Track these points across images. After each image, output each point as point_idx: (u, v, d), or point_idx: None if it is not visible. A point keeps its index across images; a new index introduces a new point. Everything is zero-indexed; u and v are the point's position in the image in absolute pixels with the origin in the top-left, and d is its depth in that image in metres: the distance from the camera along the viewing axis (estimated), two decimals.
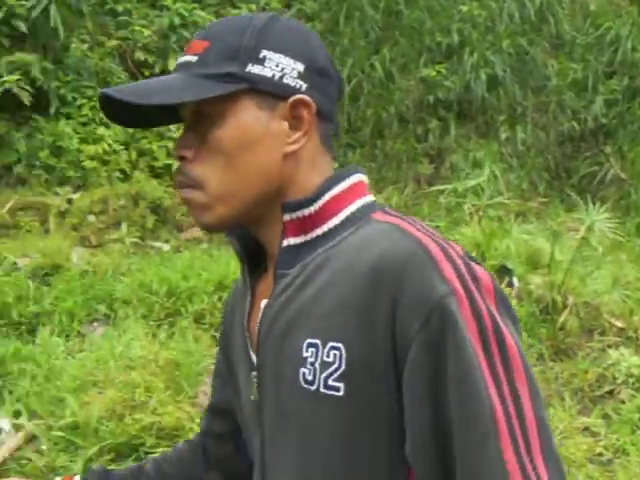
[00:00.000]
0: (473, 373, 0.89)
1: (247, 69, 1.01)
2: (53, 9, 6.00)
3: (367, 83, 6.89)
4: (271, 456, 1.07)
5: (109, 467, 1.41)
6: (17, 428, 3.54)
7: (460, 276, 0.93)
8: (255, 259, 1.13)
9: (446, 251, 0.95)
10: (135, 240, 5.55)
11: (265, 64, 1.02)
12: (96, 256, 5.20)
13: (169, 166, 6.15)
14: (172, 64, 6.59)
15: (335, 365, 0.96)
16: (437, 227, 5.64)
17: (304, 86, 1.03)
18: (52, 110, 6.14)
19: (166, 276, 4.56)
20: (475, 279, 0.94)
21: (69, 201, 5.78)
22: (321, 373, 0.97)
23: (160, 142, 6.27)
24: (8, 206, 5.67)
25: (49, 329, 4.28)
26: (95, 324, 4.51)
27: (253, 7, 7.35)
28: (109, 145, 6.04)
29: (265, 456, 1.08)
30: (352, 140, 6.89)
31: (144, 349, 3.76)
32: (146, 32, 6.61)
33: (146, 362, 3.64)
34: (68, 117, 6.18)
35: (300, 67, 1.03)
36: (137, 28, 6.62)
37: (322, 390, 0.97)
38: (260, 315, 1.07)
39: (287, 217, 1.04)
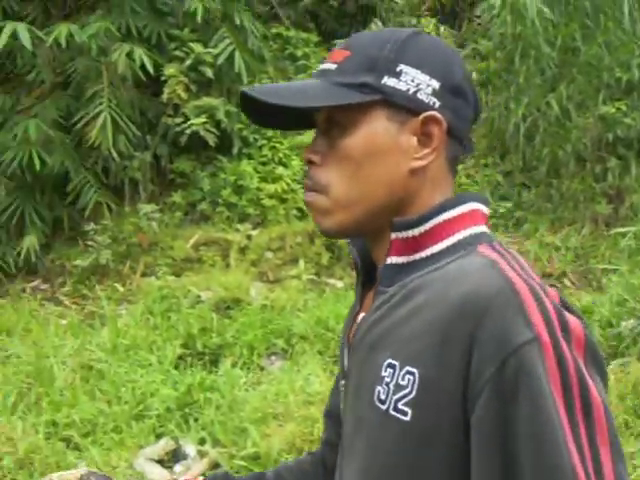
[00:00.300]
0: (550, 427, 0.86)
1: (383, 81, 1.02)
2: (237, 56, 6.33)
3: (543, 121, 6.77)
4: (345, 465, 1.09)
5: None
6: (202, 455, 3.71)
7: (548, 323, 0.89)
8: (371, 273, 1.14)
9: (537, 295, 0.91)
10: (311, 277, 5.70)
11: (401, 78, 1.02)
12: (273, 291, 5.39)
13: None
14: None
15: (407, 390, 0.95)
16: (617, 270, 5.44)
17: (437, 103, 1.03)
18: (234, 151, 6.45)
19: (342, 313, 4.66)
20: (565, 328, 0.90)
21: (249, 237, 6.04)
22: (394, 394, 0.97)
23: None
24: (192, 241, 5.99)
25: (231, 360, 4.47)
26: (273, 357, 4.67)
27: None
28: (287, 184, 6.26)
29: (342, 464, 1.11)
30: (527, 179, 6.78)
31: (322, 385, 3.85)
32: None
33: (325, 398, 3.72)
34: (249, 157, 6.48)
35: (435, 84, 1.03)
36: (315, 71, 6.84)
37: (391, 412, 0.97)
38: (355, 327, 1.09)
39: (394, 235, 1.04)
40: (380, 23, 7.36)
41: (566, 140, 6.70)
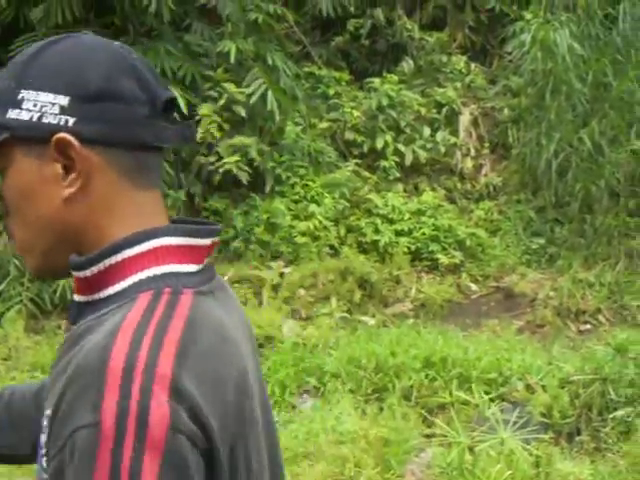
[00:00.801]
0: None
1: (8, 115, 0.94)
2: (270, 95, 6.42)
3: (575, 157, 6.76)
4: None
5: None
6: None
7: (121, 411, 0.80)
8: None
9: (127, 379, 0.82)
10: (343, 314, 5.71)
11: (22, 106, 0.93)
12: (306, 329, 5.40)
13: (376, 242, 6.31)
14: (380, 143, 6.83)
15: (44, 450, 0.91)
16: None
17: (71, 120, 0.93)
18: (267, 189, 6.52)
19: (374, 351, 4.65)
20: (142, 423, 0.80)
21: (281, 275, 6.07)
22: (41, 449, 0.93)
23: (368, 219, 6.47)
24: (225, 279, 6.02)
25: None
26: (305, 396, 4.67)
27: (458, 85, 7.48)
28: (319, 222, 6.31)
29: None
30: (560, 215, 6.76)
31: (354, 424, 3.84)
32: (355, 113, 6.89)
33: (356, 437, 3.72)
34: (282, 195, 6.54)
35: (63, 100, 0.93)
36: (347, 110, 6.92)
37: (42, 463, 0.93)
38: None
39: (74, 273, 0.96)
40: (411, 61, 7.43)
41: (599, 175, 6.68)
